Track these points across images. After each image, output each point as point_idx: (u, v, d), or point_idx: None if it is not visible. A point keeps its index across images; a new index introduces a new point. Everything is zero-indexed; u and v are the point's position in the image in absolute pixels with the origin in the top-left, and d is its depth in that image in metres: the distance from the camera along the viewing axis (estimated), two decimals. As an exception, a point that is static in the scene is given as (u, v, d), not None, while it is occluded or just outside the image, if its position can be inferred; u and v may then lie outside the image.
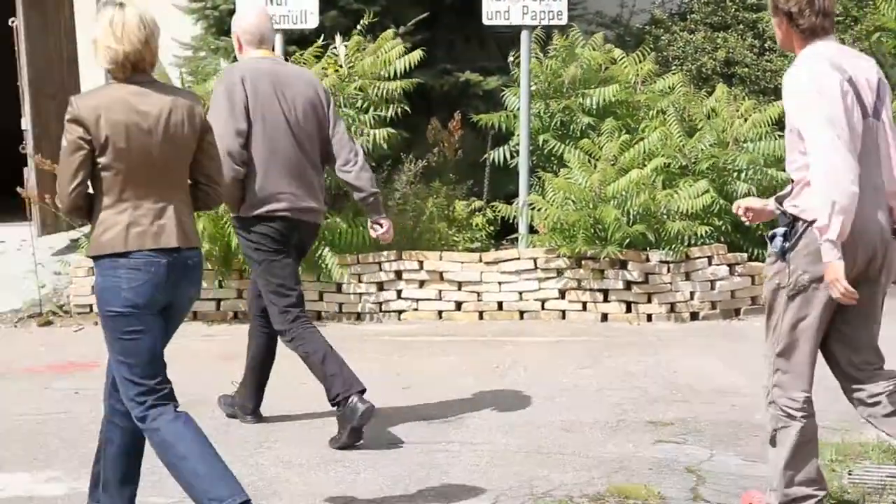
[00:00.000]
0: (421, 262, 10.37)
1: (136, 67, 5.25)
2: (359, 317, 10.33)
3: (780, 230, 5.37)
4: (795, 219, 5.32)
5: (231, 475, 5.17)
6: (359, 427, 6.90)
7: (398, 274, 10.40)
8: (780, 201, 5.48)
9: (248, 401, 7.48)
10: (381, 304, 10.40)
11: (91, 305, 10.35)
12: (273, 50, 7.43)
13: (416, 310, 10.38)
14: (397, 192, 10.84)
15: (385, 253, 10.34)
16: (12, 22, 12.11)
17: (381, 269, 10.38)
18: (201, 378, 8.40)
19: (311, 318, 7.69)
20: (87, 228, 11.99)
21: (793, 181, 5.34)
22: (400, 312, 10.39)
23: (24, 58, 12.08)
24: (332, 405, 6.96)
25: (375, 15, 11.05)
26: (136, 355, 5.20)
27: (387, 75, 10.69)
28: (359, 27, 10.72)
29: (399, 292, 10.41)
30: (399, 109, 10.66)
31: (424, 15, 11.50)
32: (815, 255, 5.21)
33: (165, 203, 5.25)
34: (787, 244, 5.34)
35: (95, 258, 5.24)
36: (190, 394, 7.94)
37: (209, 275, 10.26)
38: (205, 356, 9.11)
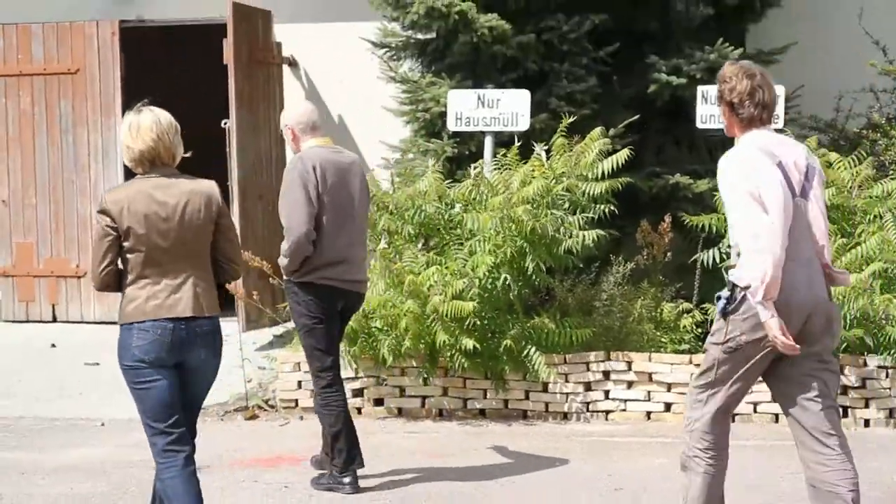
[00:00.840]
0: (629, 363, 10.19)
1: (153, 162, 6.18)
2: (565, 416, 10.17)
3: (725, 293, 5.91)
4: (734, 286, 5.86)
5: None
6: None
7: (606, 374, 10.22)
8: (726, 270, 6.10)
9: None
10: (588, 403, 10.23)
11: (297, 400, 10.38)
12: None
13: (623, 410, 10.19)
14: (604, 294, 10.70)
15: (593, 354, 10.19)
16: (225, 123, 12.34)
17: (588, 370, 10.22)
18: (410, 474, 8.35)
19: (342, 387, 8.26)
20: (287, 324, 12.14)
21: (739, 253, 5.93)
22: (608, 413, 10.20)
23: (235, 159, 12.29)
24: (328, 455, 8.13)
25: (586, 118, 11.01)
26: (147, 401, 6.13)
27: (593, 176, 10.58)
28: (561, 128, 10.64)
29: (607, 392, 10.23)
30: (607, 210, 10.54)
31: (635, 118, 11.41)
32: (753, 320, 5.82)
33: (183, 279, 6.14)
34: (729, 307, 5.90)
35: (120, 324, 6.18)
36: (401, 489, 7.95)
37: (412, 372, 10.23)
38: (410, 453, 9.03)
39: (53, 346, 12.33)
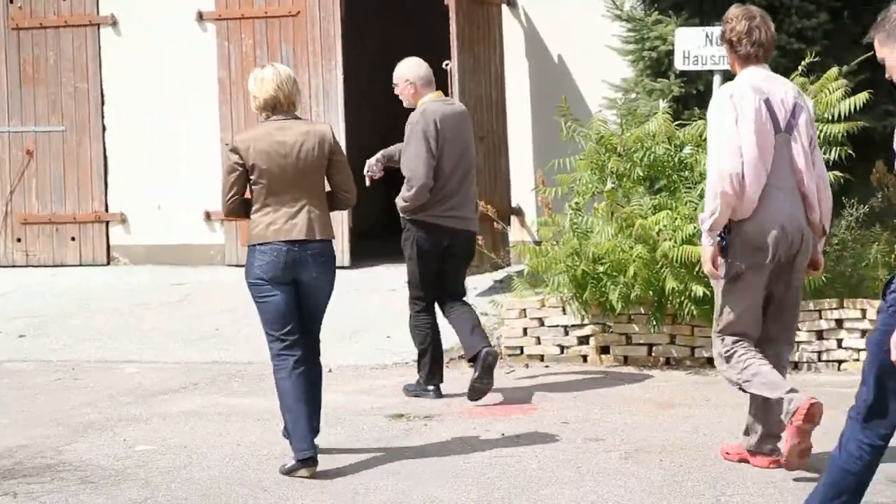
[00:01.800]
0: (863, 311, 9.83)
1: (275, 108, 7.33)
2: (796, 366, 9.84)
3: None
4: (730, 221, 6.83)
5: (309, 436, 7.11)
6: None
7: (839, 322, 9.88)
8: None
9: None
10: (819, 353, 9.91)
11: (522, 347, 10.27)
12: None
13: (857, 360, 9.83)
14: (835, 238, 10.33)
15: (826, 301, 9.86)
16: (446, 65, 12.23)
17: (820, 317, 9.89)
18: (641, 425, 8.18)
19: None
20: (509, 269, 12.04)
21: None
22: (840, 362, 9.87)
23: (457, 100, 12.16)
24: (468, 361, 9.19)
25: (817, 55, 10.61)
26: (266, 313, 7.29)
27: (829, 117, 10.21)
28: (800, 68, 10.28)
29: (839, 341, 9.89)
30: (843, 153, 10.16)
31: (867, 55, 10.95)
32: (745, 247, 6.81)
33: (299, 207, 7.28)
34: (724, 242, 6.84)
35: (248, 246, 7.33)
36: (633, 441, 7.79)
37: (640, 319, 10.03)
38: (639, 403, 8.86)
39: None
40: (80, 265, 14.28)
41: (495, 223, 11.06)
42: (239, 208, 7.39)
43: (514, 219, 13.28)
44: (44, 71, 14.27)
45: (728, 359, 7.04)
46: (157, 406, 9.18)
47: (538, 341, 10.26)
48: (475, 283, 11.90)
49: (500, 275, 12.41)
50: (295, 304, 7.28)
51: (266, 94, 7.31)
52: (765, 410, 7.10)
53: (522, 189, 13.23)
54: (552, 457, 7.51)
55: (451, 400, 9.05)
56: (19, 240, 14.42)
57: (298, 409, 7.17)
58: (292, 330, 7.27)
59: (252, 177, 7.26)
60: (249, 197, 7.35)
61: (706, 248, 6.91)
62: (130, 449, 7.97)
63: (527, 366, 10.13)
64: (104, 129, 14.18)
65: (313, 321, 7.42)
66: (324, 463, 7.42)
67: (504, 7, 13.18)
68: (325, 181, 7.42)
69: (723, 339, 7.05)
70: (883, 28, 5.28)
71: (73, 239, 14.29)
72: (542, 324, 10.26)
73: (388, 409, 8.78)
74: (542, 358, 10.22)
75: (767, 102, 6.78)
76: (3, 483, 7.30)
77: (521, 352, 10.29)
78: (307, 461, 7.14)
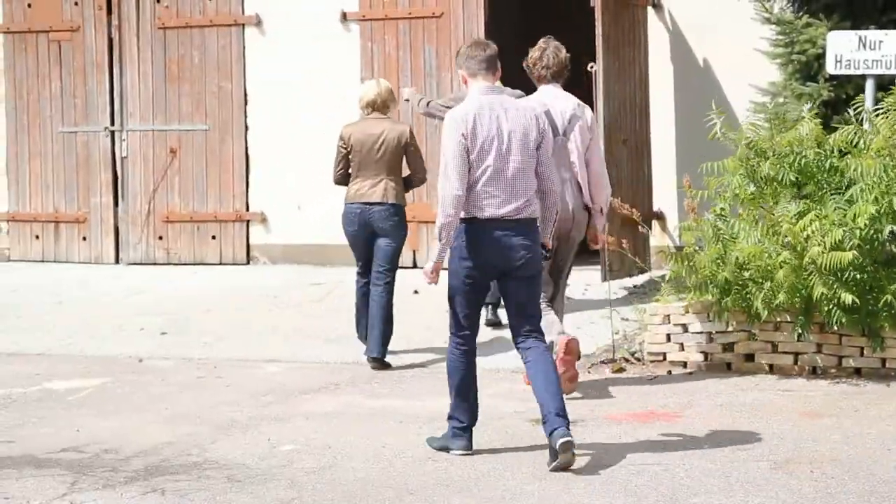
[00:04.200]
0: None
1: (373, 109, 10.45)
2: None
3: None
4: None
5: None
6: None
7: None
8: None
9: None
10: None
11: (665, 354, 10.13)
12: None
13: None
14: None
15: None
16: (591, 67, 12.14)
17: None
18: (789, 435, 8.03)
19: None
20: (651, 274, 11.91)
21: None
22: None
23: (601, 102, 12.08)
24: None
25: None
26: (353, 251, 10.58)
27: None
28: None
29: None
30: None
31: None
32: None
33: (379, 180, 10.34)
34: None
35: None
36: (781, 451, 7.64)
37: (786, 326, 9.84)
38: (786, 412, 8.69)
39: (416, 292, 12.37)
40: (220, 264, 14.40)
41: (640, 226, 10.93)
42: (343, 179, 10.55)
43: (655, 223, 13.14)
44: (188, 70, 14.41)
45: None
46: (299, 405, 9.20)
47: (681, 347, 10.11)
48: (616, 288, 11.78)
49: (641, 279, 12.28)
50: (369, 246, 10.41)
51: (368, 97, 10.47)
52: None
53: (665, 193, 13.08)
54: (699, 466, 7.39)
55: (596, 405, 8.95)
56: (161, 237, 14.59)
57: (363, 318, 10.52)
58: (366, 264, 10.49)
59: (350, 157, 10.40)
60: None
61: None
62: (275, 448, 7.99)
63: (669, 372, 10.00)
64: (247, 128, 14.29)
65: (383, 260, 10.38)
66: (467, 466, 7.38)
67: (650, 9, 13.05)
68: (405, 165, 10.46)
69: None
70: None
71: (213, 237, 14.42)
72: (685, 330, 10.11)
73: (530, 413, 8.68)
74: (685, 364, 10.07)
75: (548, 113, 8.58)
76: (151, 480, 7.35)
77: (664, 358, 10.15)
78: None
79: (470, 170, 7.44)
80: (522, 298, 7.64)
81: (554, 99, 9.11)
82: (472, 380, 7.80)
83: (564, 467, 7.26)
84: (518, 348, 7.72)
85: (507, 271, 7.58)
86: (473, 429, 7.80)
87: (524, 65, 9.26)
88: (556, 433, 7.24)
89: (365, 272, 10.49)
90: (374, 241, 10.37)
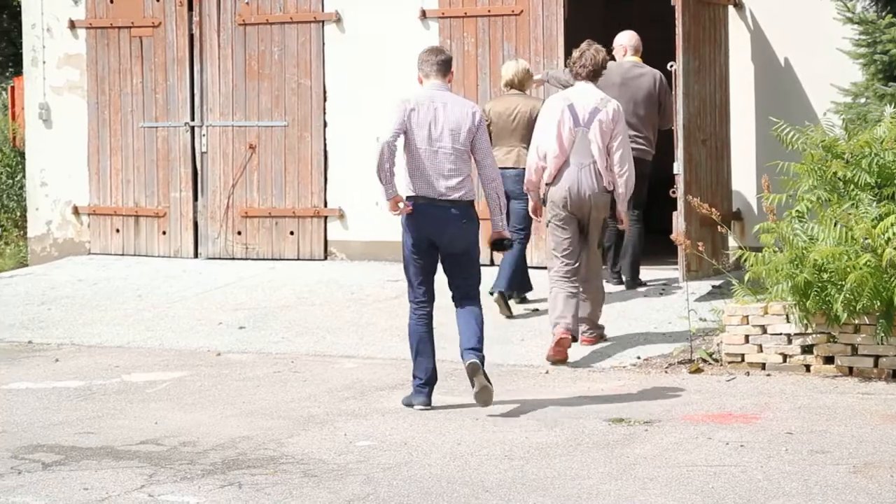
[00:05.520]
0: None
1: (511, 86, 11.92)
2: None
3: None
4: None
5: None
6: None
7: None
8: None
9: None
10: None
11: (743, 355, 10.06)
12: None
13: None
14: None
15: None
16: (671, 66, 12.08)
17: None
18: (868, 438, 7.95)
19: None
20: (729, 275, 11.82)
21: None
22: None
23: (680, 101, 12.01)
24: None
25: None
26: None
27: None
28: None
29: None
30: None
31: None
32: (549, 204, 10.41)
33: (512, 147, 11.75)
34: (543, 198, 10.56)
35: None
36: (860, 454, 7.56)
37: (866, 329, 9.74)
38: (866, 415, 8.61)
39: (491, 293, 12.38)
40: (298, 259, 14.46)
41: (719, 226, 10.86)
42: None
43: (734, 224, 13.05)
44: (268, 66, 14.48)
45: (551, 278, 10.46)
46: (376, 402, 9.22)
47: (760, 349, 10.04)
48: (693, 288, 11.72)
49: (719, 280, 12.20)
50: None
51: (507, 76, 11.91)
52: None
53: (744, 193, 13.00)
54: (778, 468, 7.33)
55: (673, 406, 8.91)
56: (239, 233, 14.67)
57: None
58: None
59: (490, 126, 11.11)
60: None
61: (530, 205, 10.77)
62: (351, 444, 8.02)
63: (748, 374, 9.93)
64: (325, 124, 14.34)
65: (517, 221, 11.53)
66: (543, 464, 7.37)
67: (731, 8, 12.95)
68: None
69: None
70: None
71: (291, 233, 14.49)
72: (764, 331, 10.04)
73: (606, 413, 8.68)
74: (763, 366, 10.00)
75: (571, 107, 10.27)
76: (228, 473, 7.40)
77: (742, 359, 10.08)
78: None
79: (407, 148, 8.88)
80: (454, 272, 8.96)
81: (581, 95, 10.33)
82: (428, 341, 8.97)
83: (480, 393, 8.67)
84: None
85: (439, 247, 8.91)
86: (434, 388, 8.98)
87: (567, 62, 10.76)
88: (465, 360, 8.74)
89: (527, 234, 11.82)
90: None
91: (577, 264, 10.37)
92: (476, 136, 8.93)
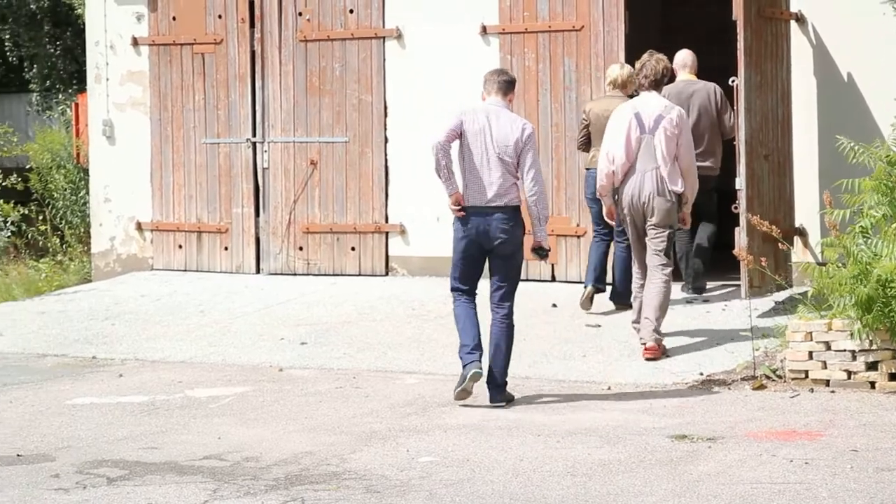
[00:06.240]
0: None
1: (614, 87, 12.01)
2: None
3: None
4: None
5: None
6: None
7: None
8: None
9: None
10: None
11: (807, 371, 9.99)
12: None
13: None
14: None
15: None
16: (732, 81, 12.04)
17: None
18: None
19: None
20: (792, 291, 11.76)
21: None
22: None
23: (742, 116, 11.96)
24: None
25: None
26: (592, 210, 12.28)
27: None
28: None
29: None
30: None
31: None
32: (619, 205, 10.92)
33: None
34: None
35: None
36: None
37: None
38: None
39: (554, 305, 12.37)
40: (359, 275, 14.50)
41: (780, 243, 10.81)
42: (583, 146, 12.12)
43: (796, 239, 12.97)
44: (329, 82, 14.54)
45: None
46: (438, 418, 9.23)
47: (824, 365, 9.96)
48: (756, 305, 11.65)
49: (781, 296, 12.13)
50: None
51: (611, 76, 12.04)
52: None
53: (806, 209, 12.91)
54: (843, 486, 7.27)
55: (736, 423, 8.86)
56: (301, 248, 14.72)
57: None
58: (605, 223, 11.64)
59: (589, 127, 11.88)
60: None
61: (604, 208, 11.15)
62: (413, 460, 8.02)
63: (811, 390, 9.86)
64: (386, 140, 14.38)
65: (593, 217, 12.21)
66: (606, 481, 7.35)
67: (793, 23, 12.88)
68: None
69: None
70: None
71: (352, 249, 14.52)
72: (828, 347, 9.96)
73: (669, 430, 8.64)
74: (827, 383, 9.92)
75: (637, 115, 10.71)
76: (291, 489, 7.42)
77: (806, 376, 10.00)
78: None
79: (461, 156, 9.63)
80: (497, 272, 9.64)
81: (646, 103, 10.78)
82: (472, 316, 9.67)
83: (460, 393, 9.46)
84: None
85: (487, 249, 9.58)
86: (482, 355, 9.50)
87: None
88: (472, 368, 9.43)
89: (609, 232, 11.91)
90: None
91: (644, 266, 10.84)
92: (523, 150, 9.52)
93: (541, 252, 9.71)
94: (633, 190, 10.66)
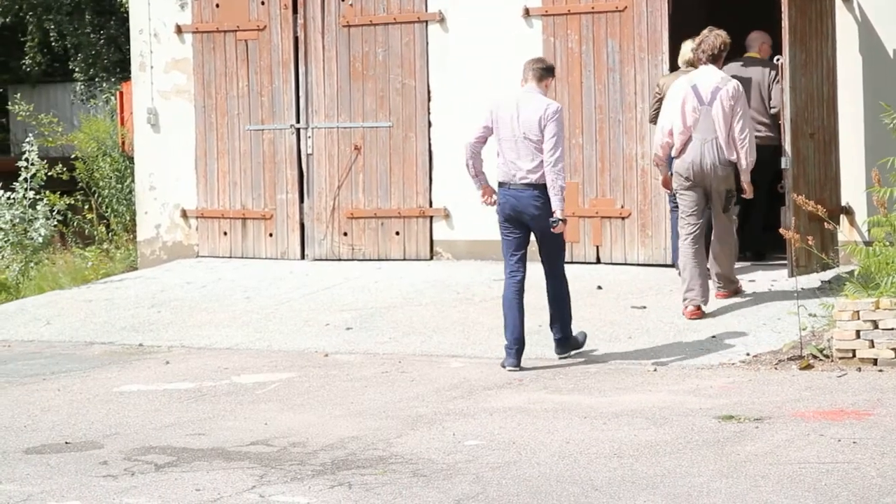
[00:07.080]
0: None
1: (688, 65, 11.93)
2: None
3: None
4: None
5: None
6: None
7: None
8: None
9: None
10: None
11: (854, 350, 9.92)
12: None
13: None
14: None
15: None
16: (778, 59, 11.96)
17: None
18: None
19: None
20: (838, 270, 11.69)
21: None
22: None
23: (787, 95, 11.87)
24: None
25: None
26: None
27: None
28: None
29: None
30: None
31: None
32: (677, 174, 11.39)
33: None
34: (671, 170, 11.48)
35: None
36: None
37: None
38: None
39: (599, 287, 12.34)
40: (404, 259, 14.50)
41: (826, 222, 10.74)
42: (655, 119, 11.85)
43: (843, 218, 12.87)
44: (372, 67, 14.54)
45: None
46: (483, 401, 9.22)
47: (871, 344, 9.89)
48: (803, 283, 11.58)
49: (828, 275, 12.06)
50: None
51: (684, 56, 12.13)
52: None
53: (852, 187, 12.81)
54: (892, 465, 7.23)
55: (783, 403, 8.82)
56: (345, 234, 14.74)
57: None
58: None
59: (662, 101, 11.75)
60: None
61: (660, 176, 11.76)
62: (459, 443, 8.02)
63: (859, 369, 9.79)
64: (430, 124, 14.36)
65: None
66: (652, 462, 7.33)
67: (838, 0, 12.78)
68: None
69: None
70: None
71: (397, 233, 14.53)
72: (875, 326, 9.89)
73: (716, 410, 8.61)
74: (875, 362, 9.85)
75: (694, 88, 11.18)
76: (338, 473, 7.44)
77: (854, 355, 9.93)
78: None
79: (497, 140, 10.24)
80: (540, 247, 10.35)
81: (703, 77, 11.23)
82: (516, 308, 10.23)
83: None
84: None
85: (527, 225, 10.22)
86: (522, 352, 10.15)
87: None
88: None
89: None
90: None
91: (699, 227, 11.26)
92: (546, 126, 10.04)
93: (554, 222, 10.01)
94: (693, 158, 11.14)
